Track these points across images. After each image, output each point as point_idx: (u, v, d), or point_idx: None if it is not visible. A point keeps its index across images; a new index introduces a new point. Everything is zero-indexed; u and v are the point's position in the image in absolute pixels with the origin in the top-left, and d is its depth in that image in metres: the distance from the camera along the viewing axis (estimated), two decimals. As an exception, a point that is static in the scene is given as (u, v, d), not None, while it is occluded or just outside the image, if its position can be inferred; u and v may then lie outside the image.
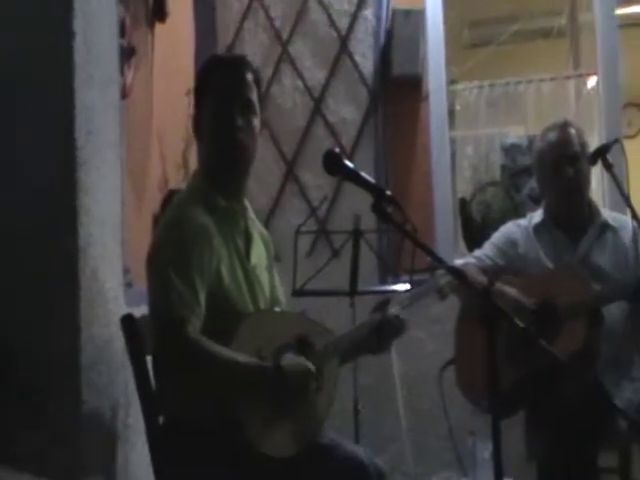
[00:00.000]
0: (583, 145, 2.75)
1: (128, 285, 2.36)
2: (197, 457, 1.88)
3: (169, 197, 2.78)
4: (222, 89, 2.02)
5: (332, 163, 1.84)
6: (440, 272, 2.28)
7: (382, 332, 2.13)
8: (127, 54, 2.57)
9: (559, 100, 4.42)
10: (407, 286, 2.76)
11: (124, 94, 2.53)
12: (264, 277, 2.13)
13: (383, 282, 3.55)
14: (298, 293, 2.74)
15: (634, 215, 2.48)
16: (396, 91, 3.80)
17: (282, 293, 2.24)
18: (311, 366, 1.92)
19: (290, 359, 1.93)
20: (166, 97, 3.05)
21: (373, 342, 2.14)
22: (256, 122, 2.04)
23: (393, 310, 2.15)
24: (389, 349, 2.18)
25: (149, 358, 1.99)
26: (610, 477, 2.74)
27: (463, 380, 2.75)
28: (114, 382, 2.13)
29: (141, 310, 2.04)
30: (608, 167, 2.55)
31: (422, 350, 3.54)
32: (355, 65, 3.76)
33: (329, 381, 2.04)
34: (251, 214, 2.14)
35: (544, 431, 2.52)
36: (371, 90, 3.75)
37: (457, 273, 1.79)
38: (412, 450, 3.38)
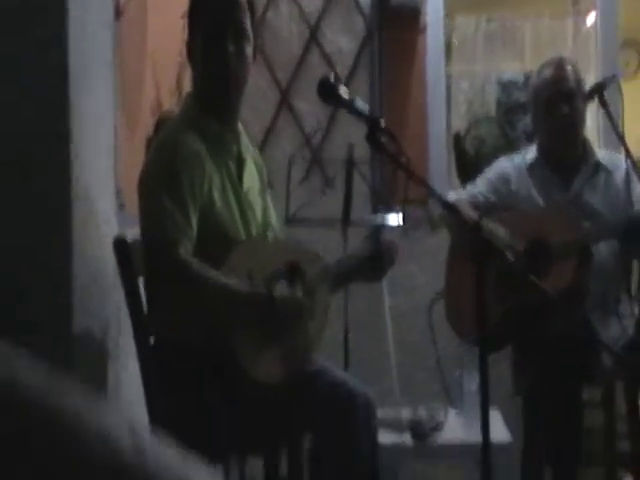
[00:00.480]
0: (579, 82, 2.72)
1: (120, 207, 2.34)
2: (187, 378, 1.90)
3: (162, 120, 2.74)
4: (214, 13, 1.99)
5: (327, 91, 1.81)
6: (433, 204, 2.28)
7: (377, 259, 2.13)
8: (122, -29, 2.50)
9: (557, 36, 4.37)
10: (400, 217, 2.77)
11: (117, 14, 2.47)
12: (257, 202, 2.13)
13: (376, 212, 3.55)
14: (291, 220, 2.74)
15: (628, 154, 2.47)
16: (393, 22, 3.73)
17: (275, 217, 2.24)
18: (304, 300, 1.92)
19: (283, 289, 1.94)
20: (161, 19, 2.98)
21: (367, 269, 2.14)
22: (248, 49, 2.01)
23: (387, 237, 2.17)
24: (383, 277, 2.19)
25: (141, 280, 2.00)
26: (593, 411, 2.80)
27: (452, 314, 2.77)
28: (106, 303, 2.14)
29: (133, 232, 2.03)
30: (604, 104, 2.53)
31: (413, 282, 3.56)
32: (353, -7, 3.68)
33: (320, 308, 2.05)
34: (245, 139, 2.13)
35: (530, 365, 2.56)
36: (368, 20, 3.68)
37: (449, 206, 1.79)
38: (400, 381, 3.44)
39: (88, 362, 2.05)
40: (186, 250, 1.85)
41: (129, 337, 2.02)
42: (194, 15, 2.05)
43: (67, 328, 1.92)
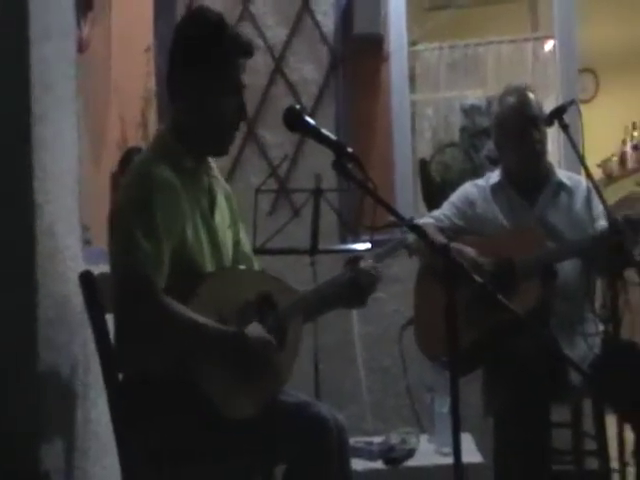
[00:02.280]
0: (540, 107, 2.79)
1: (87, 243, 2.33)
2: (157, 415, 1.88)
3: (128, 155, 2.74)
4: (234, 73, 2.00)
5: (293, 119, 1.82)
6: (404, 230, 2.29)
7: (358, 285, 2.14)
8: (84, 7, 2.51)
9: (517, 63, 4.45)
10: (368, 245, 2.79)
11: (81, 48, 2.47)
12: (227, 237, 2.13)
13: (344, 241, 3.57)
14: (259, 252, 2.74)
15: (588, 175, 2.52)
16: (357, 50, 3.78)
17: (249, 249, 2.24)
18: (272, 339, 1.92)
19: (255, 328, 1.93)
20: (124, 54, 2.99)
21: (348, 296, 2.15)
22: (244, 101, 2.05)
23: (366, 263, 2.17)
24: (364, 304, 2.19)
25: (108, 316, 1.98)
26: (562, 431, 2.82)
27: (422, 338, 2.78)
28: (73, 340, 2.12)
29: (100, 268, 2.03)
30: (564, 127, 2.58)
31: (382, 310, 3.57)
32: (316, 24, 3.73)
33: (292, 339, 2.05)
34: (215, 172, 2.13)
35: (500, 387, 2.58)
36: (332, 49, 3.73)
37: (417, 230, 1.81)
38: (371, 408, 3.44)
39: (55, 400, 2.02)
40: (158, 286, 1.84)
41: (97, 374, 2.00)
42: (197, 54, 2.00)
43: (32, 366, 1.90)
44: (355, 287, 2.14)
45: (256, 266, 2.24)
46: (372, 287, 2.17)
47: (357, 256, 2.19)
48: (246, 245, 2.23)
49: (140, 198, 1.90)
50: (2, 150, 1.92)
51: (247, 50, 2.05)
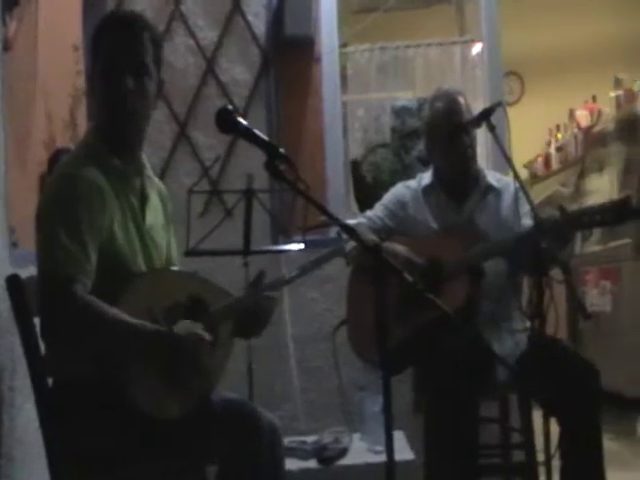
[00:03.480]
0: (470, 111, 2.83)
1: (14, 245, 2.28)
2: (85, 418, 1.85)
3: (56, 156, 2.69)
4: (115, 49, 1.96)
5: (225, 120, 1.82)
6: (338, 231, 2.29)
7: (252, 315, 2.11)
8: (9, 4, 2.45)
9: (446, 65, 4.54)
10: (300, 245, 2.80)
11: (6, 46, 2.42)
12: (160, 238, 2.11)
13: (276, 242, 3.57)
14: (191, 253, 2.73)
15: (515, 176, 2.58)
16: (289, 52, 3.80)
17: (176, 252, 2.23)
18: (206, 335, 1.91)
19: (185, 325, 1.92)
20: (52, 52, 2.93)
21: (243, 323, 2.11)
22: (149, 84, 1.99)
23: (289, 275, 2.17)
24: (256, 334, 2.16)
25: (37, 320, 1.94)
26: (490, 426, 2.89)
27: (354, 337, 2.81)
28: (-1, 345, 2.08)
29: (28, 271, 1.99)
30: (492, 129, 2.63)
31: (315, 309, 3.60)
32: (248, 25, 3.73)
33: (224, 341, 2.04)
34: (149, 172, 2.11)
35: (429, 384, 2.62)
36: (263, 50, 3.73)
37: (348, 229, 1.82)
38: (304, 407, 3.46)
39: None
40: (84, 287, 1.81)
41: (25, 378, 1.96)
42: (94, 48, 2.02)
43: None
44: (251, 315, 2.10)
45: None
46: (266, 320, 2.14)
47: (259, 276, 2.15)
48: (174, 249, 2.21)
49: (64, 198, 1.88)
50: None
51: (119, 20, 2.02)
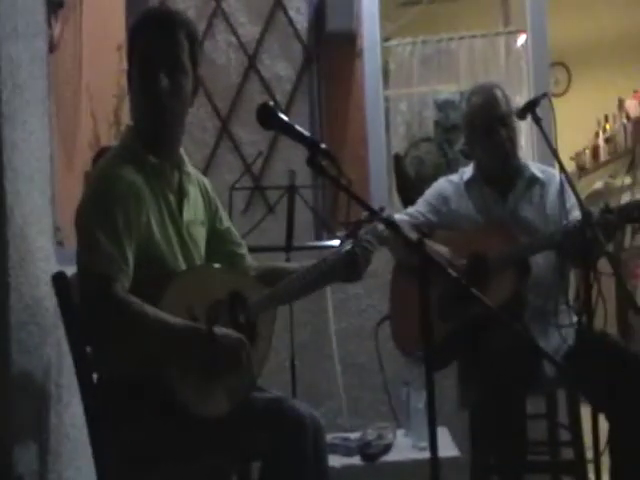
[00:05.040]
0: (509, 102, 2.80)
1: (59, 244, 2.32)
2: (130, 415, 1.87)
3: (101, 154, 2.72)
4: (149, 47, 1.97)
5: (266, 116, 1.82)
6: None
7: (352, 260, 2.15)
8: (55, 6, 2.49)
9: (490, 57, 4.47)
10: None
11: (52, 47, 2.45)
12: (199, 233, 2.11)
13: (319, 238, 3.57)
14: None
15: (561, 167, 2.54)
16: (330, 47, 3.79)
17: (237, 234, 2.25)
18: (243, 337, 1.91)
19: (226, 321, 1.92)
20: (96, 52, 2.97)
21: (344, 270, 2.16)
22: (185, 82, 1.99)
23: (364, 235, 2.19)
24: (360, 277, 2.20)
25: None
26: (538, 422, 2.85)
27: (398, 333, 2.80)
28: (45, 342, 2.11)
29: (73, 269, 2.01)
30: (537, 121, 2.59)
31: (358, 305, 3.58)
32: (289, 20, 3.73)
33: (264, 334, 2.05)
34: (188, 168, 2.11)
35: (475, 380, 2.60)
36: (305, 46, 3.73)
37: (392, 224, 1.81)
38: (347, 404, 3.45)
39: (28, 403, 2.01)
40: (122, 286, 1.83)
41: (71, 375, 1.98)
42: (131, 46, 2.04)
43: (5, 369, 1.88)
44: (350, 260, 2.15)
45: (246, 252, 2.24)
46: (366, 262, 2.18)
47: (356, 226, 2.20)
48: (234, 232, 2.23)
49: (100, 199, 1.90)
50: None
51: (154, 17, 2.03)
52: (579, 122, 6.28)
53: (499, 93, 2.78)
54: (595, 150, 6.64)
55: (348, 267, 2.17)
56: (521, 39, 4.28)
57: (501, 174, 2.82)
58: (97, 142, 2.89)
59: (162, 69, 1.95)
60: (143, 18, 2.06)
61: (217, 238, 2.18)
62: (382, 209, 2.02)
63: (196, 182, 2.16)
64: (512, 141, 2.77)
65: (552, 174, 2.83)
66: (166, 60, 1.97)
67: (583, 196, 3.02)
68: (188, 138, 2.13)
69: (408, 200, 3.48)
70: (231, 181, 3.12)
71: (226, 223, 2.22)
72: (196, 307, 1.91)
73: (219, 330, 1.88)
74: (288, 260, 2.84)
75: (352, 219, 2.69)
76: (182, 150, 2.10)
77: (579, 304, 2.41)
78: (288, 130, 1.82)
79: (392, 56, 4.54)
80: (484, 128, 2.75)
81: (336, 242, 2.82)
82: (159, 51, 1.97)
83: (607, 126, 6.49)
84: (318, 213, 3.50)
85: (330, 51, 3.79)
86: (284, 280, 2.12)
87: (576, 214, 2.56)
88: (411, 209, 2.93)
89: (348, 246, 2.16)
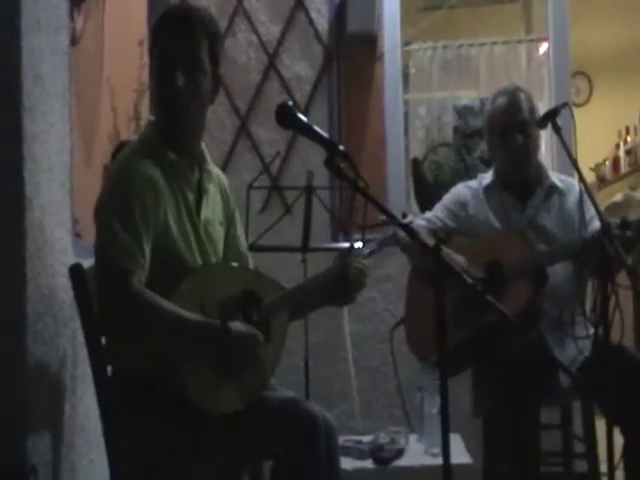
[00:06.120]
0: (532, 110, 2.77)
1: (77, 236, 2.32)
2: (144, 409, 1.87)
3: (120, 148, 2.72)
4: (168, 45, 1.97)
5: (285, 115, 1.81)
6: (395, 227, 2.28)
7: (347, 279, 2.10)
8: (77, 0, 2.49)
9: (511, 64, 4.45)
10: (359, 244, 2.78)
11: (74, 41, 2.45)
12: (217, 232, 2.11)
13: (335, 239, 3.56)
14: (250, 249, 2.72)
15: (581, 178, 2.52)
16: (351, 49, 3.79)
17: (245, 246, 2.23)
18: (259, 334, 1.91)
19: (236, 323, 1.91)
20: (118, 47, 2.97)
21: (336, 291, 2.11)
22: (203, 80, 1.98)
23: (356, 259, 2.15)
24: (351, 301, 2.16)
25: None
26: (552, 433, 2.82)
27: (412, 338, 2.78)
28: (61, 334, 2.11)
29: (91, 261, 2.01)
30: (557, 130, 2.57)
31: (373, 308, 3.57)
32: (310, 21, 3.73)
33: (278, 335, 2.04)
34: (209, 166, 2.10)
35: (489, 388, 2.58)
36: (326, 47, 3.73)
37: (408, 229, 1.80)
38: (361, 407, 3.43)
39: (43, 394, 2.01)
40: (139, 279, 1.82)
41: (85, 367, 1.98)
42: (151, 43, 2.04)
43: (21, 360, 1.88)
44: (343, 282, 2.11)
45: (251, 264, 2.22)
46: (360, 283, 2.12)
47: (347, 250, 2.17)
48: (241, 242, 2.21)
49: (119, 192, 1.90)
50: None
51: (174, 15, 2.01)
52: (600, 133, 6.24)
53: (522, 96, 2.77)
54: (615, 161, 6.59)
55: (339, 288, 2.10)
56: (543, 47, 4.26)
57: (519, 181, 2.80)
58: (117, 136, 2.89)
59: (180, 67, 1.95)
60: (164, 15, 2.06)
61: (225, 243, 2.17)
62: (404, 215, 2.00)
63: (217, 181, 2.15)
64: (528, 148, 2.74)
65: (572, 184, 2.81)
66: (184, 58, 1.96)
67: (602, 207, 3.00)
68: (207, 136, 2.12)
69: (425, 205, 3.47)
70: (249, 180, 3.12)
71: (237, 231, 2.21)
72: (209, 303, 1.91)
73: (234, 326, 1.87)
74: (304, 261, 2.83)
75: (369, 222, 2.69)
76: (205, 148, 2.09)
77: (596, 315, 2.38)
78: (306, 131, 1.82)
79: (412, 60, 4.54)
80: (501, 132, 2.74)
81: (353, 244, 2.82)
82: (177, 49, 1.96)
83: (628, 138, 6.45)
84: (335, 215, 3.49)
85: (350, 53, 3.79)
86: (298, 283, 2.11)
87: (595, 225, 2.55)
88: (429, 214, 2.91)
89: (339, 267, 2.10)
